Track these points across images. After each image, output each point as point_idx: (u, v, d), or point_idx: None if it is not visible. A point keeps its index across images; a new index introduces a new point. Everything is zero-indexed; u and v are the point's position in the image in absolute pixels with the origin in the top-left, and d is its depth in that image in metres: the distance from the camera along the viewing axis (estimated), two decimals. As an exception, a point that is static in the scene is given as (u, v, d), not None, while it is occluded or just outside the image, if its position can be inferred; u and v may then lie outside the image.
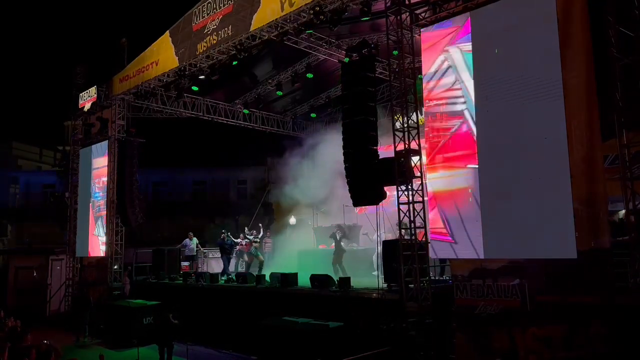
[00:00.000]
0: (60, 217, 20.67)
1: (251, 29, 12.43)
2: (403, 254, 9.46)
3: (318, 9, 11.00)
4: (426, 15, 10.08)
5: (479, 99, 9.06)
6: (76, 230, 18.99)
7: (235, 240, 16.56)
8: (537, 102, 8.29)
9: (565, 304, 7.73)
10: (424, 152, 9.86)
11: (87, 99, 18.24)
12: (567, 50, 8.04)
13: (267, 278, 13.40)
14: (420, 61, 10.13)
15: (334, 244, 13.98)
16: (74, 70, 19.84)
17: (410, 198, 9.59)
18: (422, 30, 10.13)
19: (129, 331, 13.69)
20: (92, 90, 18.01)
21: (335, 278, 11.75)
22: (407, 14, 10.12)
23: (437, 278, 11.13)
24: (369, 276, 12.50)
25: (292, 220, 19.05)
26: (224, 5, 13.26)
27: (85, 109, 18.30)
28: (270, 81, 17.34)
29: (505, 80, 8.74)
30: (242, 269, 16.67)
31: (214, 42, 13.42)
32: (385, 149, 10.99)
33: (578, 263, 7.63)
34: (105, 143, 17.58)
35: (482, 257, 8.79)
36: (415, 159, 9.79)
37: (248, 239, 16.39)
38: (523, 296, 8.27)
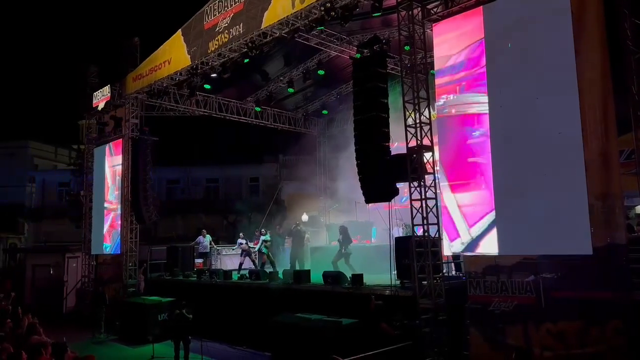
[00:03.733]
0: (76, 215, 20.96)
1: (262, 27, 12.43)
2: (416, 250, 9.43)
3: (329, 5, 10.97)
4: (438, 10, 10.01)
5: (492, 94, 8.98)
6: (91, 228, 19.22)
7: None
8: (551, 96, 8.19)
9: (581, 300, 7.66)
10: (436, 149, 9.81)
11: (100, 98, 18.41)
12: (581, 44, 7.94)
13: (280, 275, 13.47)
14: (432, 56, 10.07)
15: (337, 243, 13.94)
16: (88, 70, 20.05)
17: (423, 195, 9.55)
18: (434, 25, 10.07)
19: (144, 328, 13.85)
20: (106, 89, 18.17)
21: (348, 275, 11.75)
22: (419, 9, 10.06)
23: (455, 274, 11.06)
24: (382, 273, 12.45)
25: (304, 217, 19.07)
26: (234, 4, 13.28)
27: (99, 108, 18.48)
28: (281, 78, 17.38)
29: (518, 74, 8.65)
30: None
31: (226, 40, 13.46)
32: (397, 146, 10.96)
33: (594, 259, 7.54)
34: (119, 142, 17.74)
35: (496, 253, 8.74)
36: (427, 155, 9.75)
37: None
38: (537, 292, 8.20)
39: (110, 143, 18.33)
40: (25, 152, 39.59)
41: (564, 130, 7.97)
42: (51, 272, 21.53)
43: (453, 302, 9.32)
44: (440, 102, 9.76)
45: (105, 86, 18.32)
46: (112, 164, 18.30)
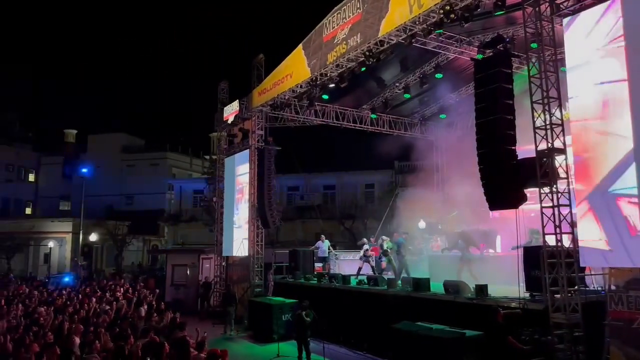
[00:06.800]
0: (209, 219, 22.84)
1: (379, 35, 12.55)
2: (548, 261, 8.82)
3: (448, 8, 10.75)
4: (569, 5, 9.30)
5: (635, 91, 8.12)
6: (223, 231, 20.78)
7: None
8: None
9: None
10: (569, 151, 9.10)
11: (230, 112, 19.94)
12: None
13: (399, 282, 13.39)
14: (563, 52, 9.38)
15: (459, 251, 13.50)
16: (218, 87, 21.86)
17: (556, 201, 8.91)
18: (564, 19, 9.38)
19: (270, 327, 14.61)
20: (235, 104, 19.66)
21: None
22: (547, 4, 9.44)
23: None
24: (508, 284, 11.81)
25: (422, 224, 18.73)
26: (352, 14, 13.58)
27: (229, 121, 20.03)
28: (397, 84, 17.35)
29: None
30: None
31: (344, 50, 13.80)
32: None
33: None
34: (246, 152, 19.05)
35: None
36: (560, 158, 9.07)
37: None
38: (694, 311, 7.25)
39: (239, 153, 19.73)
40: (165, 162, 44.23)
41: None
42: (188, 271, 23.58)
43: (591, 317, 8.56)
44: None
45: (234, 101, 19.81)
46: (239, 173, 19.67)
